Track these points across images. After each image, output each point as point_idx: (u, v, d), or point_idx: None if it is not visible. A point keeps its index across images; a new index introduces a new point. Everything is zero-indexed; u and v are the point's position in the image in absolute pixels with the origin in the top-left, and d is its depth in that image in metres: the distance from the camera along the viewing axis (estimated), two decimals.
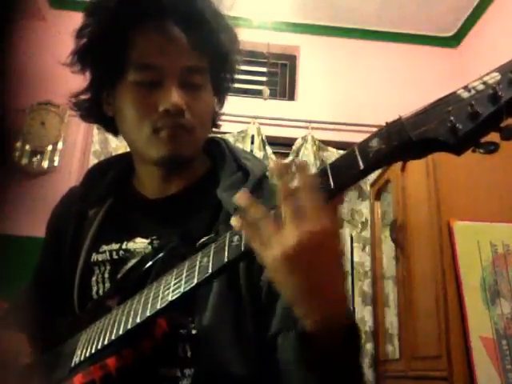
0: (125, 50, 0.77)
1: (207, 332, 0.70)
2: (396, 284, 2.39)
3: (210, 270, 0.57)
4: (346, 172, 0.52)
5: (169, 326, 0.67)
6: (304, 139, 2.90)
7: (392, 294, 2.51)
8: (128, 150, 0.88)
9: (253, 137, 2.87)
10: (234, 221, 0.55)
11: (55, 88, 2.42)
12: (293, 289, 0.52)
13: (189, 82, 0.78)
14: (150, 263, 0.73)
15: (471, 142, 0.47)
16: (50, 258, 0.90)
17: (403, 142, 0.49)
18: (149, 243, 0.79)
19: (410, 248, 2.19)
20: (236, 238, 0.56)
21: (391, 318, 2.48)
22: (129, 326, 0.64)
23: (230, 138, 2.80)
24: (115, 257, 0.80)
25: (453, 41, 3.21)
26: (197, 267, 0.59)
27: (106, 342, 0.66)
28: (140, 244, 0.80)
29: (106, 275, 0.80)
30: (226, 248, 0.56)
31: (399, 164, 2.27)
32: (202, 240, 0.68)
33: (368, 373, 2.53)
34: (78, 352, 0.70)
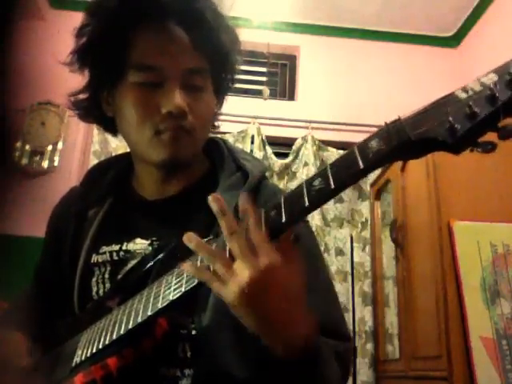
0: (125, 50, 0.77)
1: (207, 332, 0.70)
2: (396, 284, 2.40)
3: (211, 269, 0.57)
4: (345, 172, 0.52)
5: (169, 326, 0.67)
6: (304, 139, 2.90)
7: (392, 293, 2.51)
8: (128, 150, 0.88)
9: (253, 137, 2.87)
10: (187, 267, 0.58)
11: (55, 88, 2.42)
12: (253, 321, 0.56)
13: (190, 83, 0.78)
14: (151, 264, 0.73)
15: (469, 141, 0.48)
16: (50, 258, 0.90)
17: (402, 141, 0.50)
18: (149, 244, 0.79)
19: (410, 248, 2.19)
20: None
21: (391, 318, 2.48)
22: (130, 326, 0.64)
23: (230, 138, 2.81)
24: (115, 258, 0.80)
25: (453, 41, 3.22)
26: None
27: (106, 342, 0.66)
28: (140, 245, 0.80)
29: (107, 276, 0.80)
30: (227, 248, 0.56)
31: (399, 164, 2.27)
32: (203, 240, 0.68)
33: (368, 373, 2.53)
34: (79, 352, 0.70)
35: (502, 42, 2.66)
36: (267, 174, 0.93)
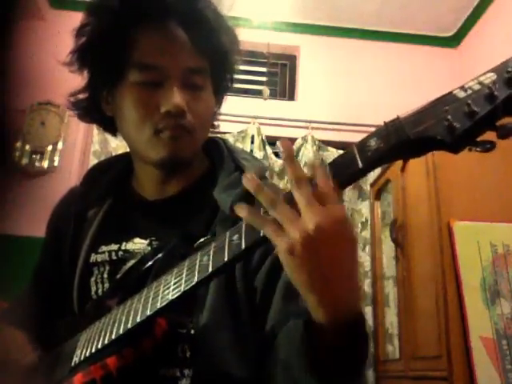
0: (126, 49, 0.77)
1: (205, 332, 0.70)
2: (396, 284, 2.39)
3: (210, 269, 0.57)
4: (345, 171, 0.52)
5: (169, 325, 0.67)
6: (304, 139, 2.90)
7: (392, 293, 2.50)
8: (128, 150, 0.88)
9: (253, 137, 2.87)
10: (239, 209, 0.53)
11: (55, 88, 2.42)
12: (308, 276, 0.50)
13: (190, 82, 0.78)
14: (150, 263, 0.73)
15: (468, 140, 0.48)
16: (49, 258, 0.90)
17: (401, 140, 0.50)
18: (148, 244, 0.80)
19: (410, 248, 2.19)
20: (236, 236, 0.56)
21: (391, 318, 2.48)
22: (129, 326, 0.64)
23: (230, 138, 2.81)
24: (114, 257, 0.80)
25: (453, 41, 3.21)
26: (197, 266, 0.59)
27: (106, 342, 0.66)
28: (139, 245, 0.80)
29: (106, 275, 0.80)
30: (226, 246, 0.56)
31: (399, 164, 2.27)
32: (200, 241, 0.68)
33: (368, 373, 2.53)
34: (78, 352, 0.70)
35: (502, 42, 2.66)
36: (267, 174, 0.93)
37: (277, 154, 2.90)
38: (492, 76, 0.48)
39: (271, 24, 3.13)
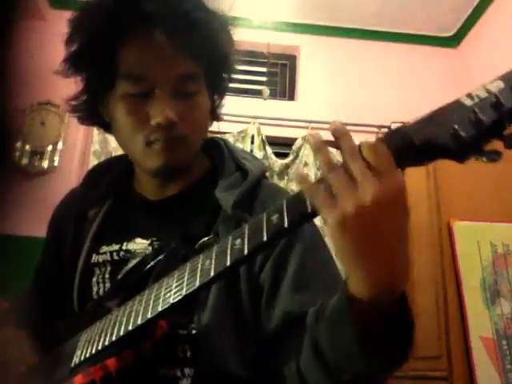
0: (113, 61, 0.75)
1: (206, 332, 0.70)
2: None
3: (212, 273, 0.57)
4: None
5: (169, 327, 0.67)
6: (304, 139, 2.90)
7: None
8: None
9: (253, 137, 2.87)
10: (298, 175, 0.51)
11: (55, 88, 2.41)
12: (358, 248, 0.48)
13: (182, 90, 0.76)
14: (151, 264, 0.73)
15: (474, 149, 0.48)
16: (50, 259, 0.90)
17: (406, 146, 0.49)
18: (149, 244, 0.79)
19: (410, 248, 2.18)
20: (238, 241, 0.55)
21: None
22: (129, 328, 0.64)
23: (230, 138, 2.80)
24: (115, 257, 0.80)
25: (453, 41, 3.21)
26: (199, 270, 0.58)
27: (106, 343, 0.66)
28: (140, 245, 0.80)
29: (107, 276, 0.80)
30: (229, 251, 0.56)
31: None
32: (202, 241, 0.68)
33: None
34: (78, 352, 0.70)
35: (502, 42, 2.66)
36: (267, 173, 0.92)
37: (277, 154, 2.90)
38: (499, 84, 0.47)
39: (271, 24, 3.13)
